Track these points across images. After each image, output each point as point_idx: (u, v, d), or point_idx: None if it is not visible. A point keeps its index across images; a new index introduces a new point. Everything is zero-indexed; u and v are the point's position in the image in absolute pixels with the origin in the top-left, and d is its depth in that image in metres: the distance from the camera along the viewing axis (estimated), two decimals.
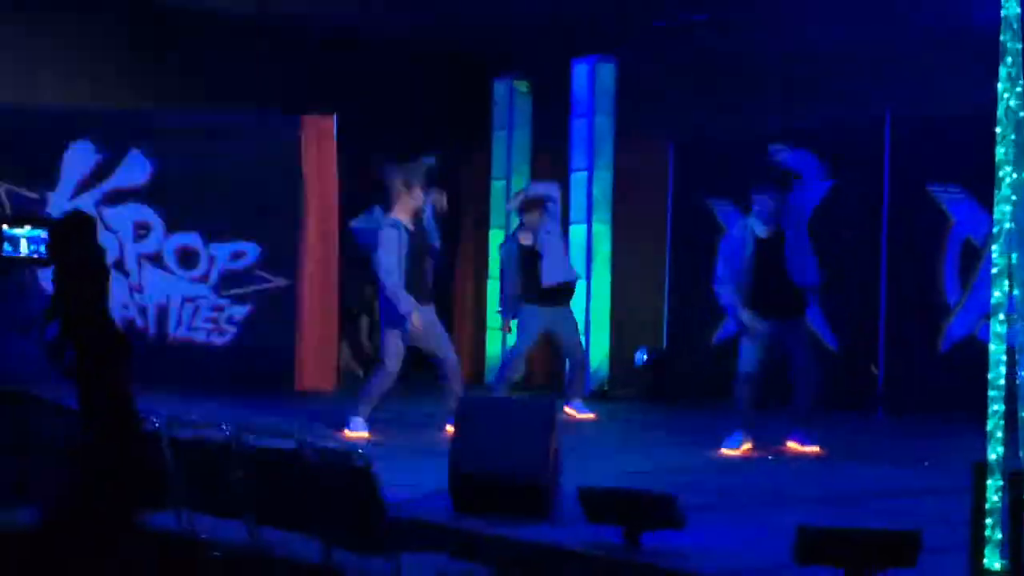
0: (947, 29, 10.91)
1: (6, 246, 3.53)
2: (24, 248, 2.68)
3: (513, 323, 11.17)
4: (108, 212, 12.78)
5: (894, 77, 11.70)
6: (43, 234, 2.63)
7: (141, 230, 12.90)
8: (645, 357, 13.16)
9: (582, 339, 11.47)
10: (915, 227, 11.63)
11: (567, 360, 11.28)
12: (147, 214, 12.94)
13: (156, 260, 12.96)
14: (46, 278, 12.11)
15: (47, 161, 12.76)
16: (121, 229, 12.77)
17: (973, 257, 11.24)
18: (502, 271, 11.38)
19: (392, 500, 5.74)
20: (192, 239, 13.03)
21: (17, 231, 2.72)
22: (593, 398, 12.69)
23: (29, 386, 7.22)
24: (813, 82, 12.20)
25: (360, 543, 5.46)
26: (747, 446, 8.93)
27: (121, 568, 5.17)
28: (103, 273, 2.91)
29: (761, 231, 8.99)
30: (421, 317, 9.47)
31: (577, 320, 11.41)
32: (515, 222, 14.32)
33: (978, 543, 4.73)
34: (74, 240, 2.84)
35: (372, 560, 5.35)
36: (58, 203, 12.55)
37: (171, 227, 12.98)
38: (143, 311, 12.93)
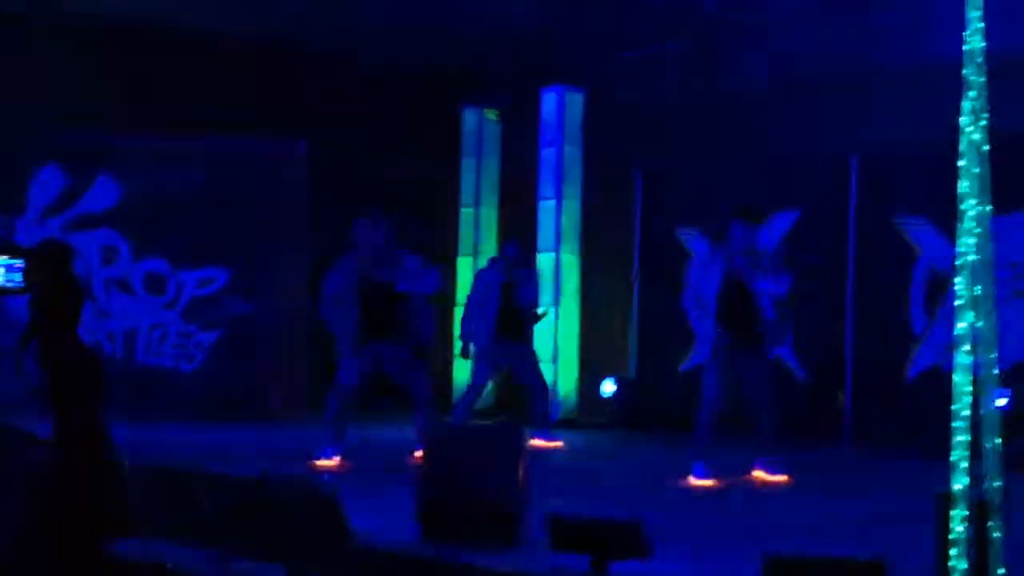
0: (913, 63, 11.01)
1: None
2: (0, 277, 2.68)
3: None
4: (76, 237, 12.74)
5: (861, 109, 11.79)
6: (19, 263, 2.64)
7: (109, 255, 12.87)
8: (613, 390, 13.17)
9: (541, 370, 11.42)
10: (881, 258, 11.72)
11: (530, 390, 11.27)
12: (115, 239, 12.91)
13: (124, 285, 12.92)
14: (13, 307, 12.13)
15: (14, 186, 12.72)
16: (89, 254, 12.74)
17: (939, 287, 11.32)
18: (469, 299, 11.34)
19: (359, 527, 5.74)
20: (160, 265, 13.01)
21: None
22: (562, 427, 12.71)
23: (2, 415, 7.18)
24: (780, 113, 12.28)
25: (326, 571, 5.45)
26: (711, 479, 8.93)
27: None
28: (78, 300, 2.91)
29: (736, 261, 9.00)
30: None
31: (536, 353, 11.38)
32: (486, 252, 14.39)
33: (943, 573, 4.75)
34: (49, 267, 2.84)
35: None
36: (26, 228, 12.51)
37: (139, 252, 12.95)
38: (111, 336, 12.88)
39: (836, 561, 5.04)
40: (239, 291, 12.99)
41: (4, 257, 2.92)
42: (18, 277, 2.78)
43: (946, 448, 4.93)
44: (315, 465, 9.34)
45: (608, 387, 13.15)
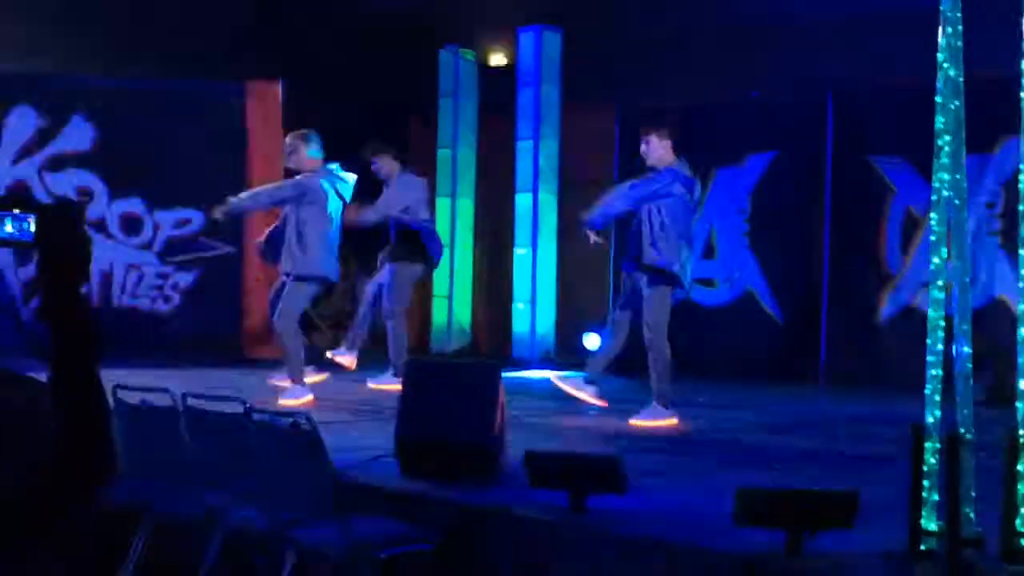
0: (889, 1, 11.01)
1: None
2: (10, 229, 2.70)
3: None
4: (50, 178, 12.69)
5: (836, 48, 11.80)
6: (30, 216, 2.67)
7: (84, 196, 12.82)
8: (597, 345, 12.87)
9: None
10: (857, 197, 11.77)
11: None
12: (90, 180, 12.86)
13: (100, 227, 12.88)
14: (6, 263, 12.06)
15: None
16: (64, 195, 12.68)
17: (914, 227, 11.39)
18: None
19: (338, 464, 5.78)
20: (136, 205, 12.97)
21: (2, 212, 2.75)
22: (540, 366, 12.81)
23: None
24: (756, 53, 12.27)
25: (306, 507, 5.50)
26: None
27: (73, 542, 5.17)
28: (86, 262, 2.94)
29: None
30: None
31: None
32: (464, 194, 14.40)
33: (916, 505, 4.83)
34: (63, 225, 2.87)
35: (319, 523, 5.38)
36: (1, 169, 12.44)
37: (115, 194, 12.90)
38: None
39: (810, 493, 5.12)
40: (216, 232, 12.96)
41: (15, 211, 2.95)
42: (29, 229, 2.81)
43: (920, 385, 5.00)
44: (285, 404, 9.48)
45: (591, 341, 12.88)
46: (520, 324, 13.64)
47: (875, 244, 11.69)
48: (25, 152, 12.74)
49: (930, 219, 5.10)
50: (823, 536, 4.87)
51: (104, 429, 3.17)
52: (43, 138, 12.79)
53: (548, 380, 12.06)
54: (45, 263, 3.10)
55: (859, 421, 9.24)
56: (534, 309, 13.56)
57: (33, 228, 2.89)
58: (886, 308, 11.57)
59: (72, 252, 3.23)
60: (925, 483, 4.83)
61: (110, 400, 5.90)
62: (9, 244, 2.90)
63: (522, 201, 13.70)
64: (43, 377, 2.92)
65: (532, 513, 5.71)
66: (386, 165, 10.57)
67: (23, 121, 12.75)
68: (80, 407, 3.18)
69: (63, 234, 3.08)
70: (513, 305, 13.71)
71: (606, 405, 9.21)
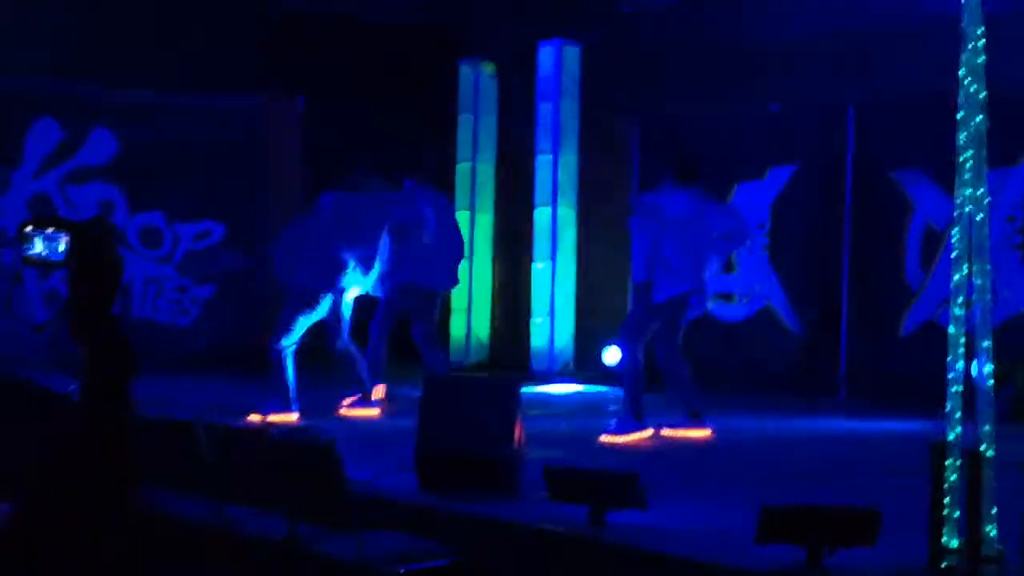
0: (910, 14, 10.98)
1: (25, 246, 3.49)
2: (40, 248, 2.69)
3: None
4: (71, 190, 12.74)
5: (858, 62, 11.77)
6: (62, 236, 2.65)
7: (105, 209, 12.86)
8: (617, 360, 12.76)
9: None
10: (878, 212, 11.72)
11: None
12: (111, 193, 12.90)
13: (119, 239, 12.90)
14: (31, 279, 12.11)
15: (10, 139, 12.69)
16: (84, 207, 12.73)
17: (935, 242, 11.34)
18: None
19: (357, 478, 5.78)
20: (156, 218, 13.00)
21: (35, 232, 2.73)
22: (557, 380, 12.82)
23: (20, 370, 7.17)
24: (778, 67, 12.25)
25: (324, 520, 5.49)
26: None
27: (99, 552, 5.18)
28: (118, 280, 2.94)
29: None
30: None
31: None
32: (483, 208, 14.40)
33: (937, 522, 4.80)
34: (95, 245, 2.86)
35: (336, 537, 5.37)
36: (22, 181, 12.49)
37: (135, 206, 12.94)
38: None
39: (831, 510, 5.09)
40: (235, 245, 12.99)
41: (50, 230, 2.93)
42: (61, 248, 2.78)
43: (940, 401, 4.98)
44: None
45: (611, 356, 12.83)
46: (539, 338, 13.62)
47: (895, 259, 11.63)
48: (47, 164, 12.79)
49: (951, 235, 5.07)
50: (844, 553, 4.84)
51: (128, 445, 3.19)
52: (65, 151, 12.85)
53: (565, 395, 12.09)
54: (77, 282, 3.10)
55: (880, 437, 9.19)
56: (553, 323, 13.54)
57: (63, 247, 2.88)
58: (906, 323, 11.52)
59: (103, 271, 3.24)
60: (946, 500, 4.80)
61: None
62: (39, 264, 2.89)
63: (541, 215, 13.70)
64: (71, 389, 2.94)
65: (551, 528, 5.69)
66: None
67: (45, 133, 12.81)
68: (107, 424, 3.20)
69: (95, 254, 3.08)
70: (532, 319, 13.70)
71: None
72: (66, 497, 3.02)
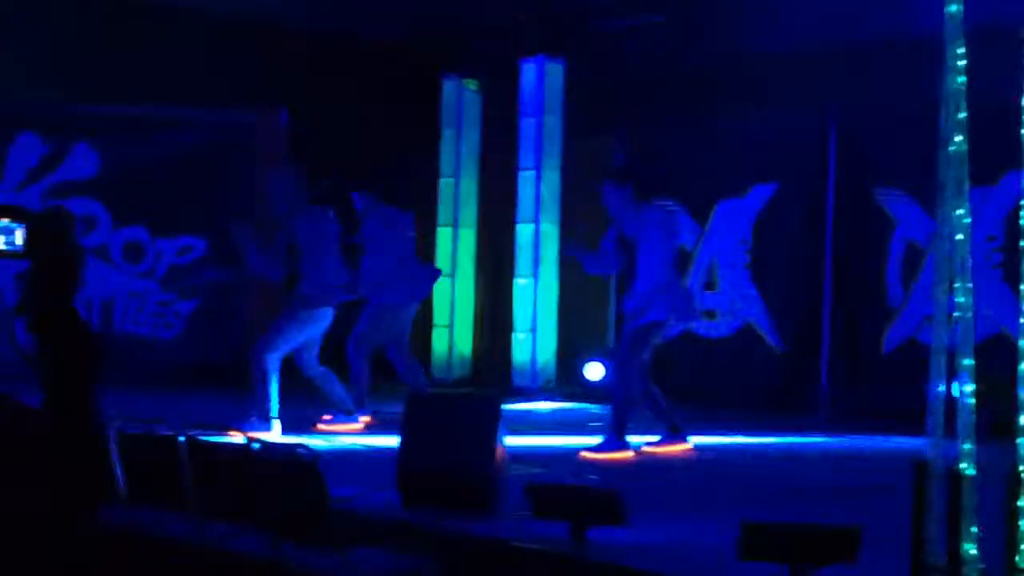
0: (892, 32, 11.04)
1: None
2: None
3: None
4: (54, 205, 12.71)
5: (839, 80, 11.82)
6: (19, 228, 2.61)
7: (88, 224, 12.83)
8: (600, 376, 12.81)
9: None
10: (859, 229, 11.77)
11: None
12: (93, 208, 12.87)
13: (102, 254, 12.88)
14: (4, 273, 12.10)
15: None
16: (54, 205, 12.69)
17: (916, 260, 11.39)
18: None
19: (340, 495, 5.77)
20: (139, 233, 12.98)
21: None
22: (539, 397, 12.82)
23: None
24: (759, 84, 12.30)
25: (307, 537, 5.48)
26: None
27: (72, 565, 5.16)
28: (78, 271, 2.90)
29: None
30: None
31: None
32: (466, 223, 14.42)
33: (918, 540, 4.81)
34: (53, 236, 2.83)
35: (319, 554, 5.37)
36: (4, 195, 12.46)
37: (118, 221, 12.91)
38: (87, 304, 12.86)
39: (813, 527, 5.10)
40: (218, 260, 12.97)
41: (4, 221, 2.89)
42: (17, 241, 2.74)
43: (921, 419, 4.99)
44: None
45: (593, 371, 12.86)
46: (521, 354, 13.62)
47: (877, 276, 11.68)
48: (29, 179, 12.76)
49: (932, 253, 5.10)
50: (826, 571, 4.86)
51: (97, 452, 3.18)
52: (47, 165, 12.82)
53: (547, 411, 12.10)
54: (35, 273, 3.08)
55: (860, 454, 9.22)
56: (535, 339, 13.55)
57: (21, 239, 2.88)
58: (887, 340, 11.56)
59: (62, 261, 3.22)
60: (927, 518, 4.82)
61: (111, 428, 5.92)
62: (1, 255, 2.88)
63: (524, 231, 13.71)
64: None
65: (533, 544, 5.70)
66: None
67: (28, 148, 12.78)
68: (72, 424, 3.19)
69: (53, 244, 3.06)
70: (514, 335, 13.70)
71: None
72: (35, 506, 3.03)
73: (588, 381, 12.80)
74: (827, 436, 10.63)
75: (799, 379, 12.01)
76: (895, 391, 10.95)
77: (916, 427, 5.25)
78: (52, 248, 2.83)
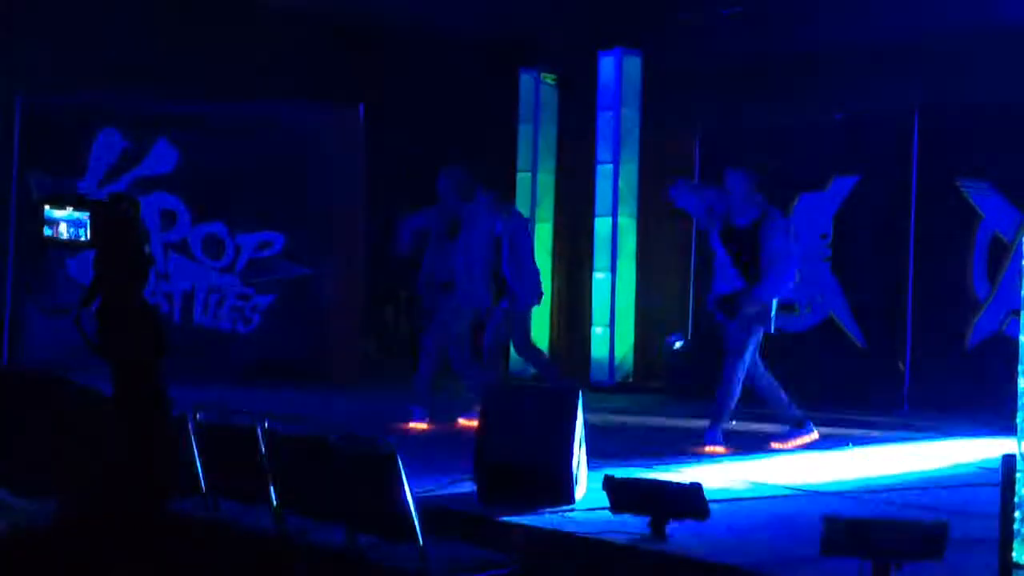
0: (978, 23, 10.85)
1: (45, 228, 3.44)
2: (64, 231, 2.64)
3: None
4: None
5: (924, 70, 11.65)
6: (84, 217, 2.60)
7: (168, 219, 12.96)
8: (680, 343, 12.97)
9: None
10: (943, 222, 11.58)
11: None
12: (173, 203, 12.99)
13: (182, 249, 13.01)
14: (72, 265, 12.27)
15: (76, 149, 12.82)
16: (147, 218, 12.80)
17: (1002, 252, 11.18)
18: None
19: (418, 488, 5.76)
20: (218, 228, 13.08)
21: (58, 213, 2.68)
22: (618, 390, 12.75)
23: (62, 370, 7.24)
24: (841, 74, 12.15)
25: (384, 530, 5.47)
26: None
27: (149, 556, 5.19)
28: (144, 259, 2.87)
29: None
30: None
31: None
32: (544, 217, 14.38)
33: (1006, 536, 4.70)
34: (117, 224, 2.81)
35: (396, 547, 5.36)
36: (86, 192, 12.60)
37: (197, 216, 13.03)
38: (168, 298, 13.00)
39: (898, 523, 5.00)
40: (296, 255, 13.05)
41: (69, 210, 2.88)
42: (83, 232, 2.74)
43: (1007, 415, 4.88)
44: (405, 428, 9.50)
45: (673, 340, 13.01)
46: (598, 348, 13.57)
47: (961, 269, 11.48)
48: (111, 175, 12.90)
49: (1019, 244, 4.98)
50: (911, 567, 4.76)
51: (165, 442, 3.17)
52: (128, 161, 12.96)
53: (630, 404, 12.02)
54: (100, 261, 3.06)
55: (944, 451, 9.06)
56: (613, 333, 13.49)
57: (87, 228, 2.86)
58: (973, 335, 11.36)
59: (126, 249, 3.19)
60: (1016, 514, 4.71)
61: (190, 420, 5.94)
62: (65, 245, 2.87)
63: (601, 225, 13.66)
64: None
65: (611, 538, 5.65)
66: None
67: (109, 144, 12.92)
68: (141, 411, 3.17)
69: (117, 231, 3.04)
70: (592, 329, 13.65)
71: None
72: (111, 497, 3.01)
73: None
74: (910, 431, 10.47)
75: (881, 373, 11.85)
76: (980, 385, 10.77)
77: (1002, 423, 5.14)
78: (116, 236, 2.81)
